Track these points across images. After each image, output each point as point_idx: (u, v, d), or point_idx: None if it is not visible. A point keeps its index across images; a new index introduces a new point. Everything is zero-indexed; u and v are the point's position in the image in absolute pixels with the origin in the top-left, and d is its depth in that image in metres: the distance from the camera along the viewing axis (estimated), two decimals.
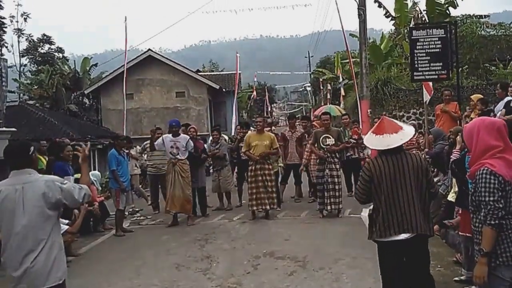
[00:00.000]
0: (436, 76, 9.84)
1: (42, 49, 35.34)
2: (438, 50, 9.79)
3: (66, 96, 29.62)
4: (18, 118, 16.86)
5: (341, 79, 25.93)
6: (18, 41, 35.40)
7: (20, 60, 35.48)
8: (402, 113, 17.06)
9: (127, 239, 8.29)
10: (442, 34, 9.88)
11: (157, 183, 10.81)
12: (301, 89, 71.99)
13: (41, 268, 3.26)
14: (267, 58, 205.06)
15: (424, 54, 9.68)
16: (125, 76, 17.63)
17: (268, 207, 8.90)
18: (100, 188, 10.45)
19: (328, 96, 30.52)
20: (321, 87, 38.68)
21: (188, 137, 9.24)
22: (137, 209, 10.62)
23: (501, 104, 7.84)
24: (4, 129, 9.66)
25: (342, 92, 24.92)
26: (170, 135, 9.01)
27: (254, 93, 38.07)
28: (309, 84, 54.01)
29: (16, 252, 3.30)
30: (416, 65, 9.77)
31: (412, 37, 9.83)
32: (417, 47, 9.72)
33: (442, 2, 19.82)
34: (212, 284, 5.51)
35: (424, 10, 20.29)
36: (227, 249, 7.01)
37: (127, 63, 19.50)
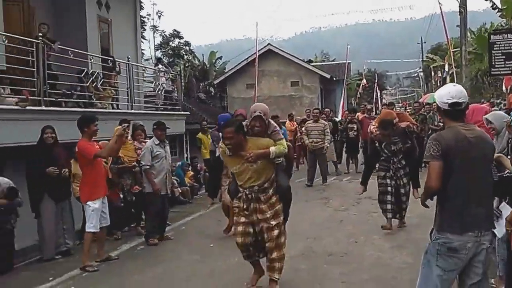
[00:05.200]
0: (509, 72, 11.98)
1: (172, 43, 39.03)
2: None
3: (196, 86, 34.18)
4: None
5: (446, 68, 27.34)
6: (154, 37, 38.79)
7: (155, 53, 38.90)
8: (499, 100, 18.63)
9: None
10: None
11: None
12: (414, 75, 71.22)
13: None
14: (379, 43, 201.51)
15: (500, 54, 11.84)
16: (257, 72, 21.22)
17: None
18: None
19: (439, 84, 31.66)
20: (432, 74, 39.61)
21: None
22: None
23: None
24: (182, 112, 13.72)
25: (448, 81, 26.39)
26: None
27: (364, 81, 40.15)
28: (421, 70, 54.15)
29: None
30: (493, 63, 11.96)
31: (490, 41, 12.01)
32: (494, 48, 11.89)
33: None
34: (329, 210, 8.86)
35: None
36: (339, 194, 10.27)
37: (249, 56, 23.38)
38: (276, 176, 4.77)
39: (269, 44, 29.35)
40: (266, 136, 4.73)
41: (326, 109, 16.17)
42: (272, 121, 4.88)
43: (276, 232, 4.69)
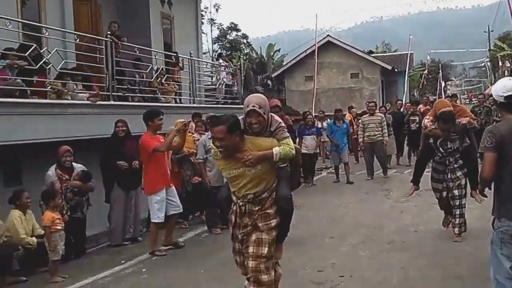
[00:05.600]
0: None
1: (230, 36, 39.12)
2: None
3: (253, 78, 34.32)
4: None
5: None
6: (211, 30, 38.70)
7: (212, 47, 38.58)
8: None
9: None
10: None
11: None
12: (481, 65, 68.17)
13: None
14: (444, 32, 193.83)
15: None
16: (316, 64, 20.92)
17: None
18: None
19: (506, 74, 30.21)
20: (499, 64, 37.81)
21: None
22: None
23: None
24: (242, 106, 13.98)
25: None
26: None
27: (426, 71, 39.02)
28: (488, 60, 51.79)
29: None
30: None
31: None
32: None
33: None
34: (390, 201, 8.91)
35: None
36: (400, 186, 10.16)
37: (308, 48, 23.93)
38: (277, 184, 3.76)
39: (328, 35, 29.02)
40: (268, 135, 3.77)
41: (399, 101, 16.02)
42: (275, 116, 3.87)
43: (265, 250, 3.67)
